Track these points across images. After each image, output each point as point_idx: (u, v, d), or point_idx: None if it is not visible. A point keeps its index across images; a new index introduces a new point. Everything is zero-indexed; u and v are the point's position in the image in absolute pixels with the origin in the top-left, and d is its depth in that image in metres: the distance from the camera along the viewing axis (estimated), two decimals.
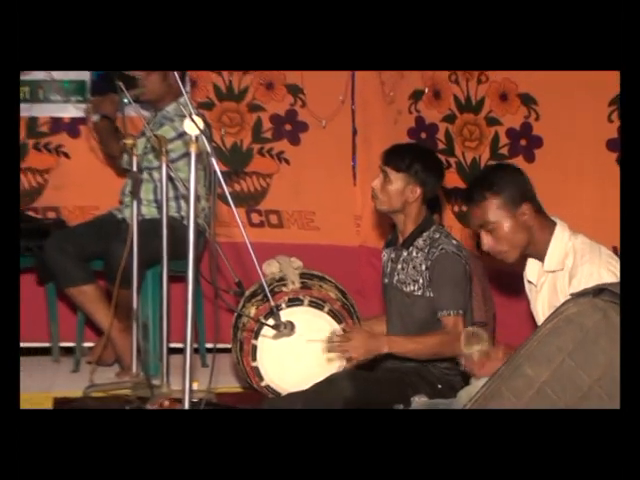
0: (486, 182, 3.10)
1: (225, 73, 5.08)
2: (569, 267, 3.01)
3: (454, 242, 3.56)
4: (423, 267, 3.54)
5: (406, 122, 4.94)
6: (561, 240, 3.06)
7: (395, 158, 3.59)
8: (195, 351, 3.47)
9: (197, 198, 3.29)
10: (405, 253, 3.62)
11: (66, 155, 5.06)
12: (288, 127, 5.16)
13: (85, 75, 5.03)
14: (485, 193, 3.06)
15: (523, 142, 4.49)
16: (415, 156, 3.59)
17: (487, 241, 3.09)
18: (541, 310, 3.13)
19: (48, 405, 3.97)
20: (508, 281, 4.16)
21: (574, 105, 4.22)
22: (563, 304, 2.43)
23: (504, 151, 4.53)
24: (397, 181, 3.56)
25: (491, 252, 3.14)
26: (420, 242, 3.58)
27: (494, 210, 3.05)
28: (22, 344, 4.68)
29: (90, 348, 4.75)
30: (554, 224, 3.10)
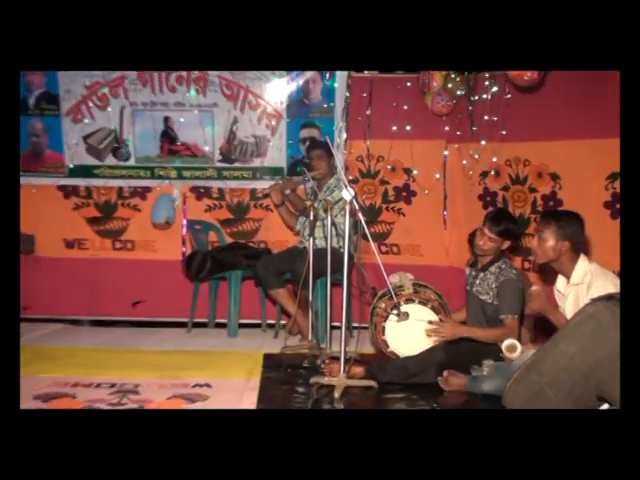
0: (559, 217, 3.04)
1: (365, 161, 5.09)
2: (587, 282, 2.92)
3: (514, 271, 3.47)
4: (493, 285, 3.47)
5: (477, 190, 4.83)
6: (582, 265, 2.98)
7: (490, 223, 3.48)
8: (347, 328, 3.45)
9: (349, 236, 3.31)
10: (482, 274, 3.55)
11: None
12: (404, 193, 5.10)
13: (283, 163, 5.10)
14: (552, 220, 3.00)
15: (551, 203, 4.35)
16: (503, 228, 3.46)
17: (533, 243, 3.05)
18: (568, 310, 3.01)
19: (260, 357, 4.02)
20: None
21: (584, 180, 4.12)
22: (585, 305, 2.35)
23: (539, 209, 4.40)
24: (491, 235, 3.46)
25: (531, 249, 3.09)
26: (492, 268, 3.51)
27: (549, 231, 2.99)
28: (246, 320, 4.86)
29: (284, 324, 4.80)
30: (579, 256, 3.01)
